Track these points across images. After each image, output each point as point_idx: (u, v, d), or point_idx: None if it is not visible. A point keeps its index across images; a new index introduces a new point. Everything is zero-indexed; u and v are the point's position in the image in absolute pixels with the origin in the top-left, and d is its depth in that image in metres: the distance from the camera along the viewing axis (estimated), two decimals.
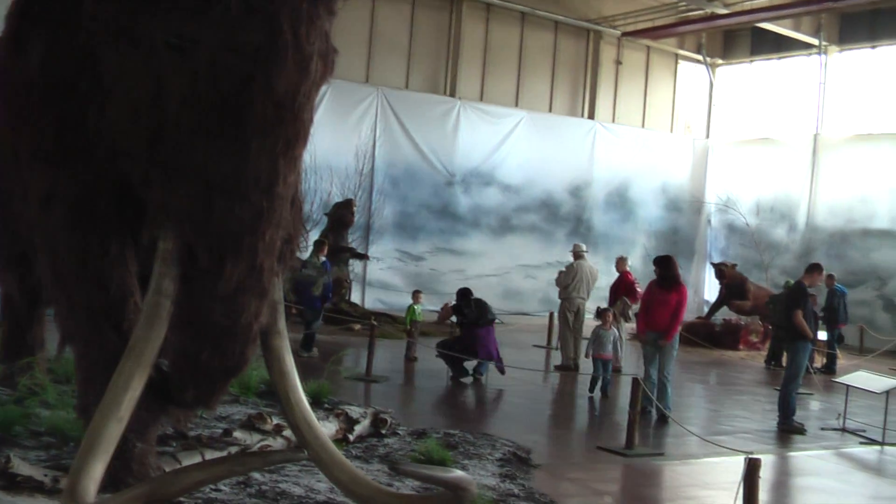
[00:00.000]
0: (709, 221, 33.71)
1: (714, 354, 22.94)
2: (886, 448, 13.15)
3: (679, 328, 14.12)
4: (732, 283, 26.10)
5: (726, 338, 24.25)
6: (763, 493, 8.87)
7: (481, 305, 16.16)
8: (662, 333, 13.72)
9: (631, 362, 17.95)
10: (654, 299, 13.97)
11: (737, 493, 7.08)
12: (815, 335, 14.63)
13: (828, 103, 30.97)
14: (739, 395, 17.12)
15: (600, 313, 16.08)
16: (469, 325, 16.03)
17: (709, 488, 10.44)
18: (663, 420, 13.26)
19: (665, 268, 14.07)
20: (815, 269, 14.78)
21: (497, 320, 16.78)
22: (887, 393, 13.78)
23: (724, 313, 26.43)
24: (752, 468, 7.06)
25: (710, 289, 31.42)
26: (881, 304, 28.14)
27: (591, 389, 15.38)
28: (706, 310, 28.57)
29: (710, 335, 24.20)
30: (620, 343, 16.37)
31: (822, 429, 14.05)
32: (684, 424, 12.24)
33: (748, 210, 31.69)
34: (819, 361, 21.31)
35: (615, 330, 15.87)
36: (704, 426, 13.38)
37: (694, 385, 18.56)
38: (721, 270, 26.59)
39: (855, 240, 29.30)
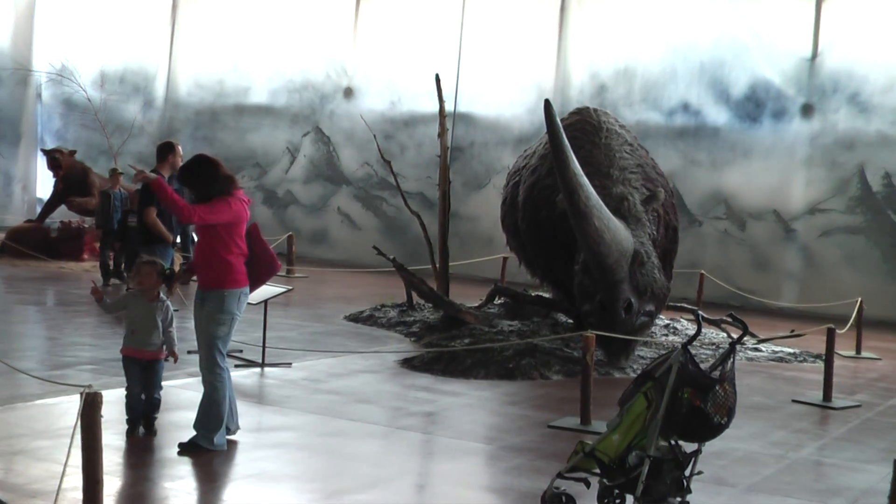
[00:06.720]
0: (38, 96, 33.14)
1: (51, 267, 22.75)
2: (267, 370, 13.67)
3: None
4: (71, 176, 25.88)
5: (66, 245, 24.00)
6: (111, 435, 8.83)
7: None
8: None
9: None
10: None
11: (73, 435, 6.89)
12: (175, 236, 14.69)
13: None
14: (84, 317, 17.05)
15: (139, 267, 10.34)
16: None
17: (43, 436, 10.25)
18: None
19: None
20: (169, 151, 14.81)
21: None
22: (265, 303, 14.03)
23: (63, 214, 26.13)
24: (90, 405, 6.89)
25: (44, 183, 30.93)
26: (262, 196, 29.19)
27: (132, 428, 10.21)
28: (38, 210, 28.04)
29: (44, 242, 23.90)
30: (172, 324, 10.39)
31: (189, 352, 13.64)
32: (12, 361, 11.80)
33: (91, 82, 31.43)
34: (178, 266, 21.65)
35: (167, 301, 10.38)
36: (41, 360, 13.14)
37: (27, 308, 18.55)
38: (55, 159, 26.13)
39: (227, 118, 30.10)
